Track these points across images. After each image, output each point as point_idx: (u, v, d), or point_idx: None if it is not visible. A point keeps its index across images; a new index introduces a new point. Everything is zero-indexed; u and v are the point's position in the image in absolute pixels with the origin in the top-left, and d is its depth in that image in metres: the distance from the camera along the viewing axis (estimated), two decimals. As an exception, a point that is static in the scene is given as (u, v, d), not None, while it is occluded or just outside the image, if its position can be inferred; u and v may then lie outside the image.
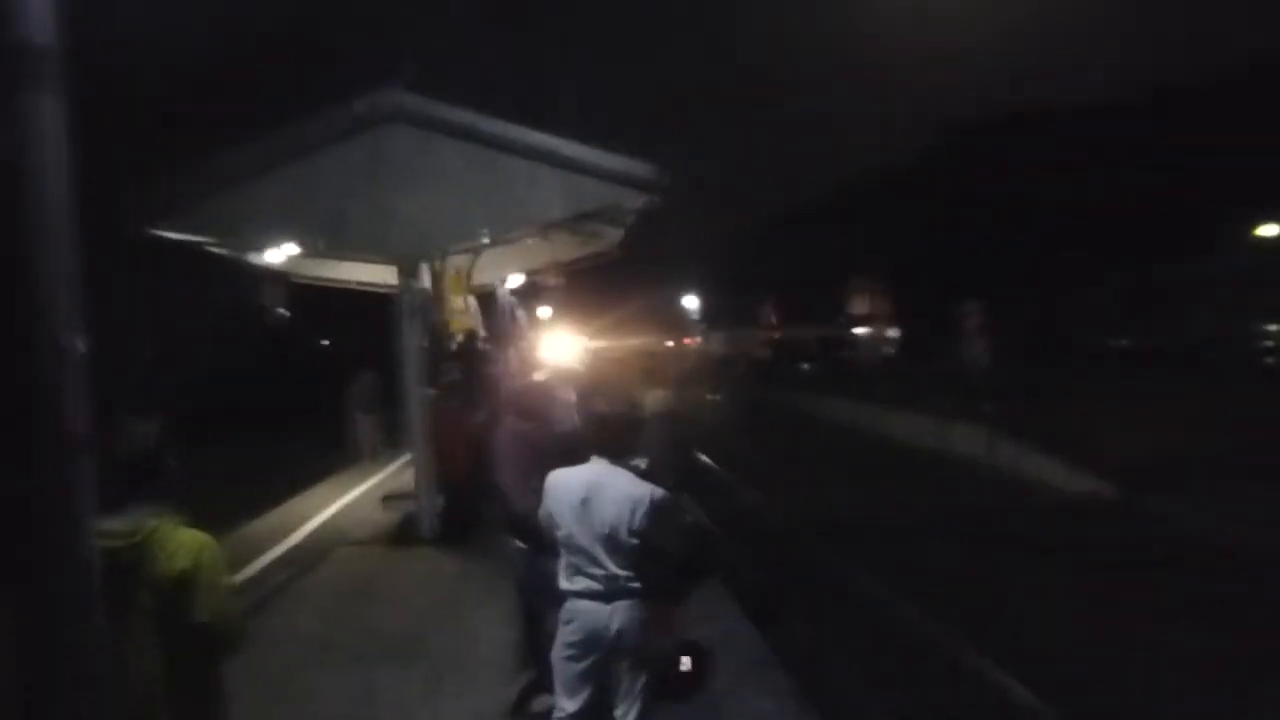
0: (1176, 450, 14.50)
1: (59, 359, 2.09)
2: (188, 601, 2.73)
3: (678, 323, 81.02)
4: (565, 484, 3.70)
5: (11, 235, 2.04)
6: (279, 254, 10.20)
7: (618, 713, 3.77)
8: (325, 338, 31.96)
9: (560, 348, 16.78)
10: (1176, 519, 11.75)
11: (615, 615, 3.61)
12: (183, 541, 2.77)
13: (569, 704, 3.76)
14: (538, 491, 4.04)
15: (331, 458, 16.42)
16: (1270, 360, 27.46)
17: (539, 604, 4.88)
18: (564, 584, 3.75)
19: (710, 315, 76.99)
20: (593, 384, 4.22)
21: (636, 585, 3.63)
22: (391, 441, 16.66)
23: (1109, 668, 7.42)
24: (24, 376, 2.06)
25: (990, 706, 6.82)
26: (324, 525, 11.13)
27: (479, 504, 9.25)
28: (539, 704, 4.91)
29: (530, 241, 11.70)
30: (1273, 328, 33.56)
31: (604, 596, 3.62)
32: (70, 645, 2.15)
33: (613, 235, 13.03)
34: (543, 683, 4.84)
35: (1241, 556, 10.24)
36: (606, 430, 3.69)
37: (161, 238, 9.45)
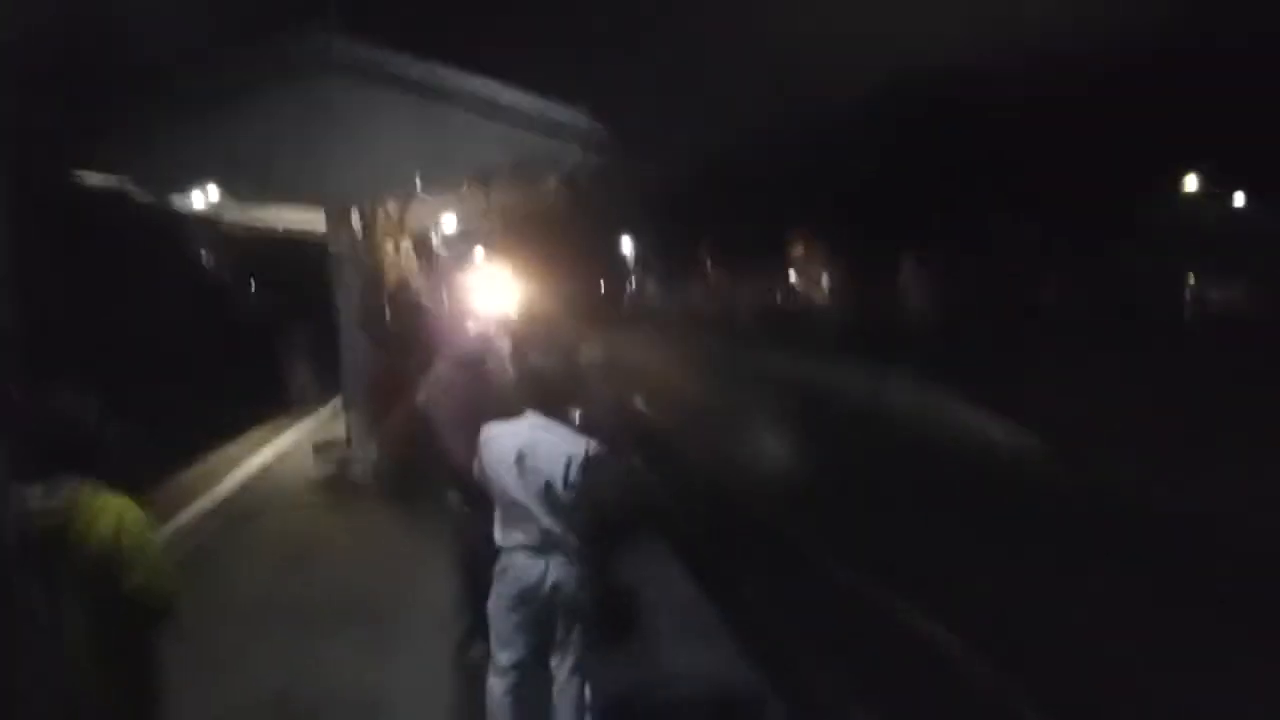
0: (1107, 408, 14.86)
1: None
2: (114, 569, 2.67)
3: (617, 269, 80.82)
4: (500, 439, 3.70)
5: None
6: (203, 199, 9.95)
7: (554, 662, 3.82)
8: (256, 283, 31.28)
9: (494, 295, 16.67)
10: (1125, 484, 12.00)
11: (551, 569, 3.64)
12: (103, 507, 2.71)
13: (505, 656, 3.79)
14: (473, 443, 4.03)
15: (262, 404, 16.15)
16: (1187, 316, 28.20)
17: (473, 555, 4.89)
18: (500, 538, 3.76)
19: (650, 262, 76.81)
20: (528, 334, 4.19)
21: (571, 539, 3.66)
22: (328, 387, 16.45)
23: (1027, 617, 7.65)
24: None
25: (929, 666, 6.98)
26: (256, 475, 10.99)
27: (413, 452, 9.20)
28: (477, 651, 4.94)
29: (466, 188, 11.54)
30: (1191, 283, 34.49)
31: (539, 550, 3.64)
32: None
33: (551, 184, 12.90)
34: (479, 626, 4.87)
35: (1194, 523, 10.49)
36: (542, 383, 3.69)
37: (77, 184, 9.13)
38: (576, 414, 4.15)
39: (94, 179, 9.26)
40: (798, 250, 55.06)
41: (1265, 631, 7.11)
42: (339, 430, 10.55)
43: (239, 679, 5.23)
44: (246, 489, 10.26)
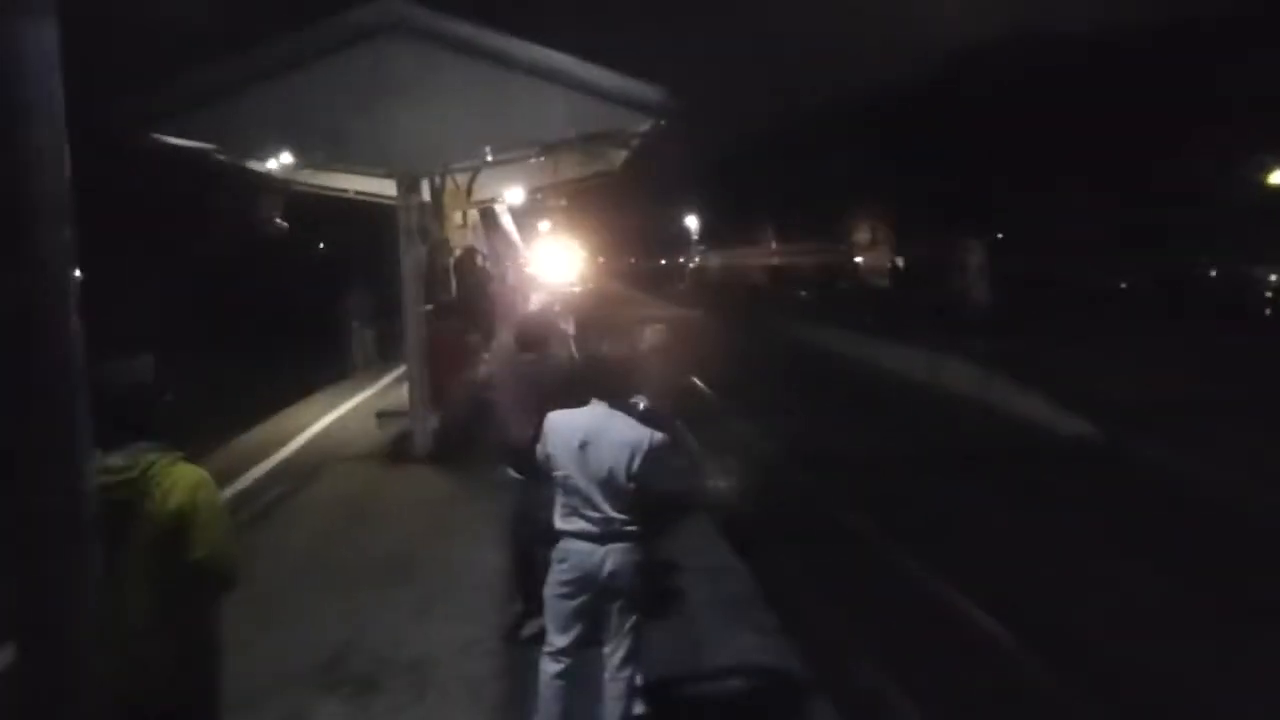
0: (1168, 394, 14.56)
1: (54, 292, 2.04)
2: (184, 539, 2.72)
3: (677, 243, 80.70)
4: (565, 426, 3.69)
5: (3, 168, 1.97)
6: (277, 163, 10.06)
7: (606, 650, 3.83)
8: (322, 244, 31.87)
9: (559, 266, 16.71)
10: (1161, 464, 11.81)
11: (609, 557, 3.64)
12: (179, 478, 2.75)
13: (560, 639, 3.81)
14: (535, 423, 4.03)
15: (327, 370, 16.42)
16: (1269, 311, 27.40)
17: (530, 534, 4.92)
18: (559, 523, 3.77)
19: (709, 236, 76.57)
20: (592, 321, 4.18)
21: (631, 528, 3.65)
22: (387, 354, 16.67)
23: (1081, 610, 7.53)
24: (18, 310, 2.01)
25: (966, 645, 6.93)
26: (317, 439, 11.17)
27: (473, 424, 9.28)
28: (530, 628, 4.98)
29: (532, 160, 11.53)
30: (1273, 277, 33.50)
31: (598, 538, 3.64)
32: (66, 582, 2.14)
33: (616, 156, 12.85)
34: (531, 609, 4.90)
35: (1223, 505, 10.32)
36: (606, 373, 3.68)
37: (157, 144, 9.29)
38: (640, 400, 4.13)
39: (174, 141, 9.41)
40: (862, 228, 54.36)
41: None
42: (402, 397, 10.66)
43: (296, 637, 5.34)
44: (309, 452, 10.43)
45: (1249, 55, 37.85)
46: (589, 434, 3.60)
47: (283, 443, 10.80)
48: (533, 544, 4.85)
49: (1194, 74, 40.05)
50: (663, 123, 9.76)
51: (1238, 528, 9.58)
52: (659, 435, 3.61)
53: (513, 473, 5.25)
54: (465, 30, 9.26)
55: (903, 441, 14.52)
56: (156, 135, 9.21)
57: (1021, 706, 5.87)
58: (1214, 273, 36.92)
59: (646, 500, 3.65)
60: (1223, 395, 14.09)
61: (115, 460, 2.68)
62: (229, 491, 8.40)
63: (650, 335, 5.25)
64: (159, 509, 2.70)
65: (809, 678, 5.09)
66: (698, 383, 18.51)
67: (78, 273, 2.12)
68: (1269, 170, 38.25)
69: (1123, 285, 33.85)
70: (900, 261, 47.51)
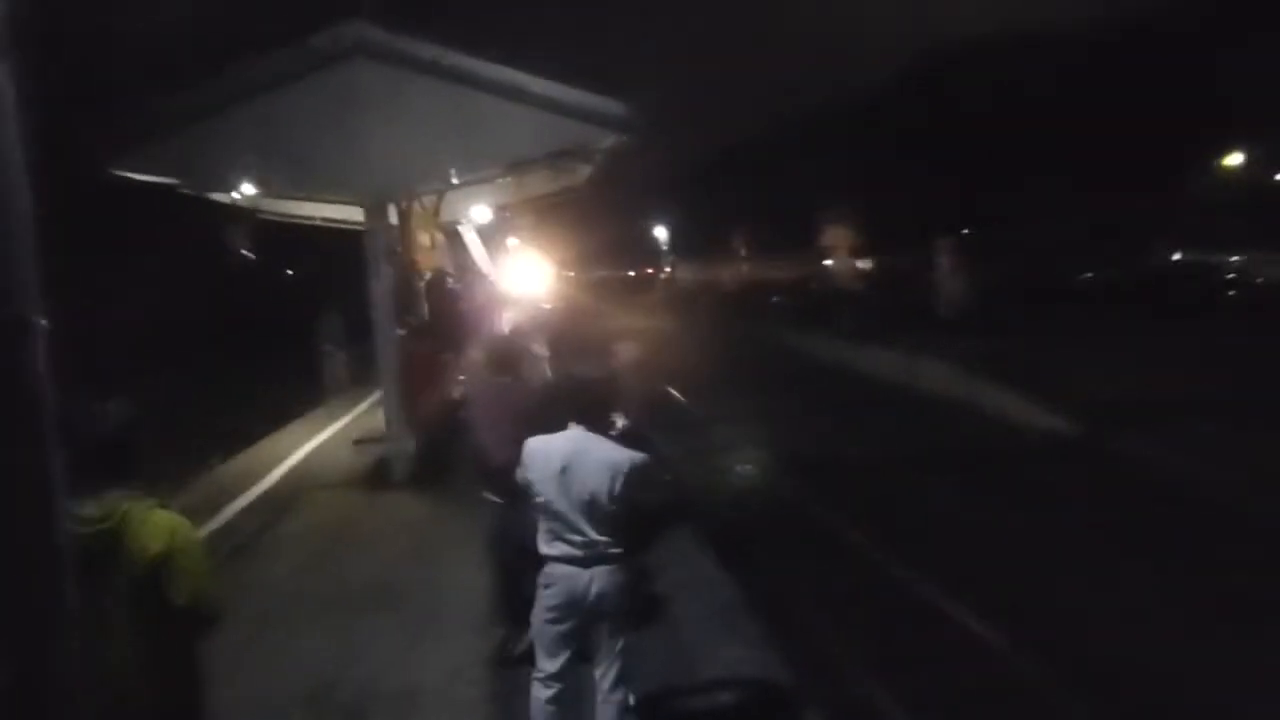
0: (1140, 388, 14.71)
1: (21, 336, 2.01)
2: (164, 585, 2.69)
3: (647, 254, 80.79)
4: (544, 452, 3.68)
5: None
6: (242, 193, 9.99)
7: (597, 672, 3.81)
8: (290, 270, 31.73)
9: (529, 281, 16.68)
10: (1138, 459, 11.91)
11: (595, 580, 3.63)
12: (157, 524, 2.72)
13: (549, 665, 3.79)
14: (512, 446, 4.01)
15: (301, 398, 16.30)
16: (1232, 293, 27.75)
17: (512, 558, 4.90)
18: (543, 548, 3.75)
19: (680, 246, 76.68)
20: (567, 343, 4.17)
21: (616, 550, 3.64)
22: (361, 379, 16.56)
23: (1070, 612, 7.58)
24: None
25: (956, 649, 6.95)
26: (295, 468, 11.07)
27: (451, 447, 9.24)
28: (520, 646, 4.93)
29: (501, 179, 11.53)
30: (1234, 259, 33.96)
31: (583, 562, 3.63)
32: (46, 636, 2.11)
33: (582, 170, 12.85)
34: (518, 630, 4.87)
35: (1200, 498, 10.42)
36: (585, 397, 3.66)
37: (119, 178, 9.20)
38: (619, 418, 4.13)
39: (134, 172, 9.32)
40: (831, 233, 54.67)
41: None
42: (378, 422, 10.60)
43: (281, 669, 5.28)
44: (288, 482, 10.34)
45: (1216, 55, 38.59)
46: (569, 459, 3.59)
47: (261, 473, 10.69)
48: (515, 565, 4.83)
49: (1164, 73, 40.73)
50: (628, 137, 9.78)
51: (1227, 524, 9.68)
52: (640, 456, 3.61)
53: (491, 496, 5.23)
54: (429, 51, 9.24)
55: (880, 443, 14.58)
56: (116, 171, 9.11)
57: (1013, 709, 5.89)
58: (1177, 256, 37.31)
59: (631, 519, 3.64)
60: (1196, 389, 14.24)
61: (89, 510, 2.65)
62: (210, 526, 8.31)
63: (624, 351, 5.25)
64: (137, 557, 2.67)
65: (799, 688, 5.09)
66: (673, 393, 18.53)
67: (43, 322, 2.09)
68: (1224, 152, 38.80)
69: (1092, 278, 34.13)
70: (873, 264, 47.76)
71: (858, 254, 49.57)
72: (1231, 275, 30.21)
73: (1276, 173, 38.86)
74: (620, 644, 3.76)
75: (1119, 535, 9.32)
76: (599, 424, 3.64)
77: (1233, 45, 37.52)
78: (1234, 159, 41.07)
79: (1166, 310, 25.28)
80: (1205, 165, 39.75)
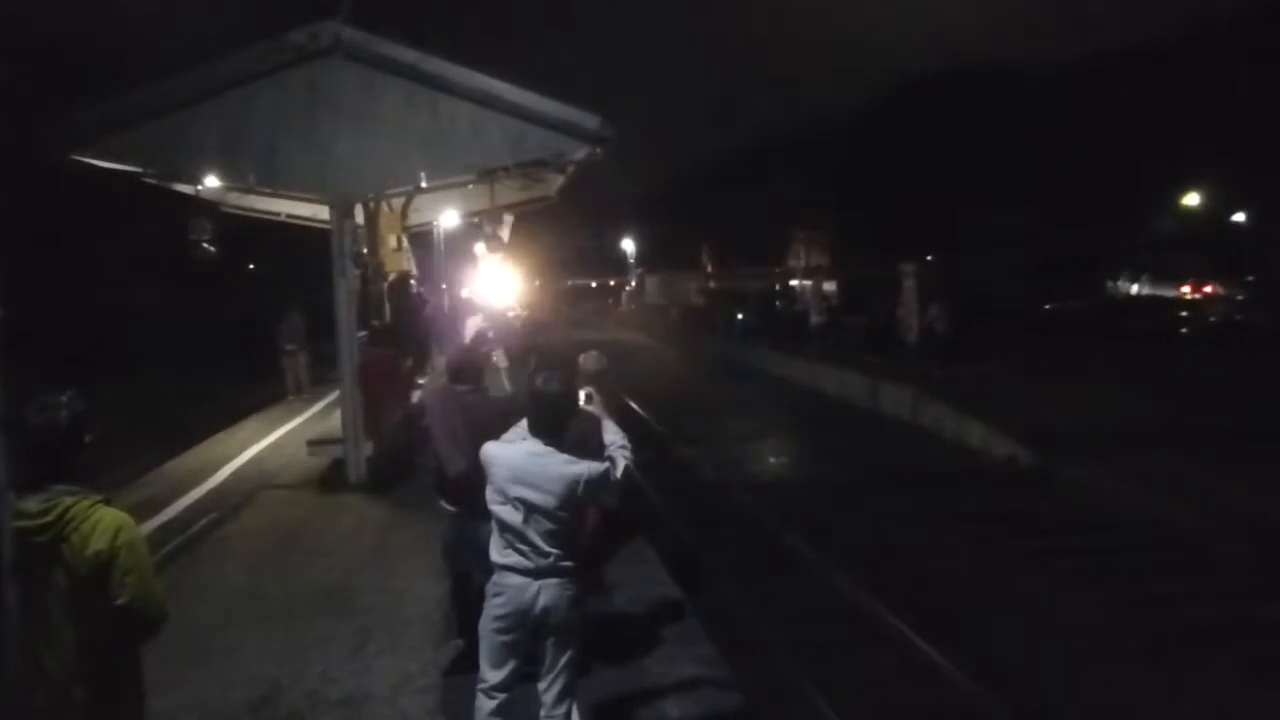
0: (1093, 416, 14.96)
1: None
2: (105, 584, 2.65)
3: (614, 265, 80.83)
4: (500, 460, 3.66)
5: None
6: (208, 186, 9.89)
7: (541, 686, 3.79)
8: (253, 265, 31.38)
9: (495, 291, 16.65)
10: (1089, 487, 12.10)
11: (543, 592, 3.61)
12: (100, 521, 2.68)
13: (493, 675, 3.75)
14: (469, 455, 3.97)
15: (258, 394, 16.11)
16: (1184, 330, 28.29)
17: (468, 567, 4.86)
18: (495, 557, 3.73)
19: (646, 259, 76.79)
20: (528, 347, 4.15)
21: (566, 563, 3.63)
22: (320, 379, 16.40)
23: (1017, 634, 7.69)
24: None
25: (908, 671, 7.02)
26: (247, 466, 10.92)
27: (408, 452, 9.16)
28: (466, 660, 4.89)
29: (471, 185, 11.49)
30: (1186, 292, 34.60)
31: (533, 573, 3.61)
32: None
33: (553, 181, 12.85)
34: (468, 640, 4.83)
35: (1145, 526, 10.60)
36: (544, 409, 3.65)
37: (80, 166, 9.07)
38: (583, 394, 4.14)
39: (96, 163, 9.18)
40: (797, 252, 54.99)
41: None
42: (335, 424, 10.49)
43: (225, 674, 5.19)
44: (239, 480, 10.20)
45: (1181, 88, 39.39)
46: (524, 469, 3.57)
47: (212, 470, 10.54)
48: (471, 575, 4.79)
49: (1128, 105, 41.47)
50: (599, 149, 9.78)
51: (1173, 548, 9.84)
52: (596, 467, 3.61)
53: (446, 504, 5.20)
54: (408, 55, 9.19)
55: (838, 465, 14.69)
56: (78, 157, 8.98)
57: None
58: (1135, 290, 38.05)
59: (581, 529, 3.65)
60: (1141, 416, 14.50)
61: (30, 504, 2.60)
62: (155, 522, 8.17)
63: (586, 360, 5.24)
64: (79, 554, 2.63)
65: (751, 708, 5.10)
66: (634, 406, 18.54)
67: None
68: (1185, 193, 39.75)
69: (1052, 309, 34.69)
70: (838, 285, 48.11)
71: (823, 275, 49.94)
72: (1184, 312, 30.84)
73: (1232, 212, 39.72)
74: (566, 658, 3.73)
75: (1064, 561, 9.47)
76: (556, 434, 3.63)
77: (1197, 86, 38.32)
78: (1192, 198, 41.96)
79: (1123, 341, 25.75)
80: (1165, 202, 40.54)
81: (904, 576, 8.93)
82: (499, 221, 16.87)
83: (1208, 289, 35.58)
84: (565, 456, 3.59)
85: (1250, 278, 33.71)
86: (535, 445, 3.61)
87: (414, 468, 8.84)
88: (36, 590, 2.56)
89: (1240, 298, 31.33)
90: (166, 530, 7.99)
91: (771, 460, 15.83)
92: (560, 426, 3.66)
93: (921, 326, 20.51)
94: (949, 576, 9.18)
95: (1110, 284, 39.67)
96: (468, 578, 4.91)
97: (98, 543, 2.64)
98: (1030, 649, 7.45)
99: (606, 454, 3.83)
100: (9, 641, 2.14)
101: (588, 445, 3.94)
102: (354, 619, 5.98)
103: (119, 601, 2.66)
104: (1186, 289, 36.15)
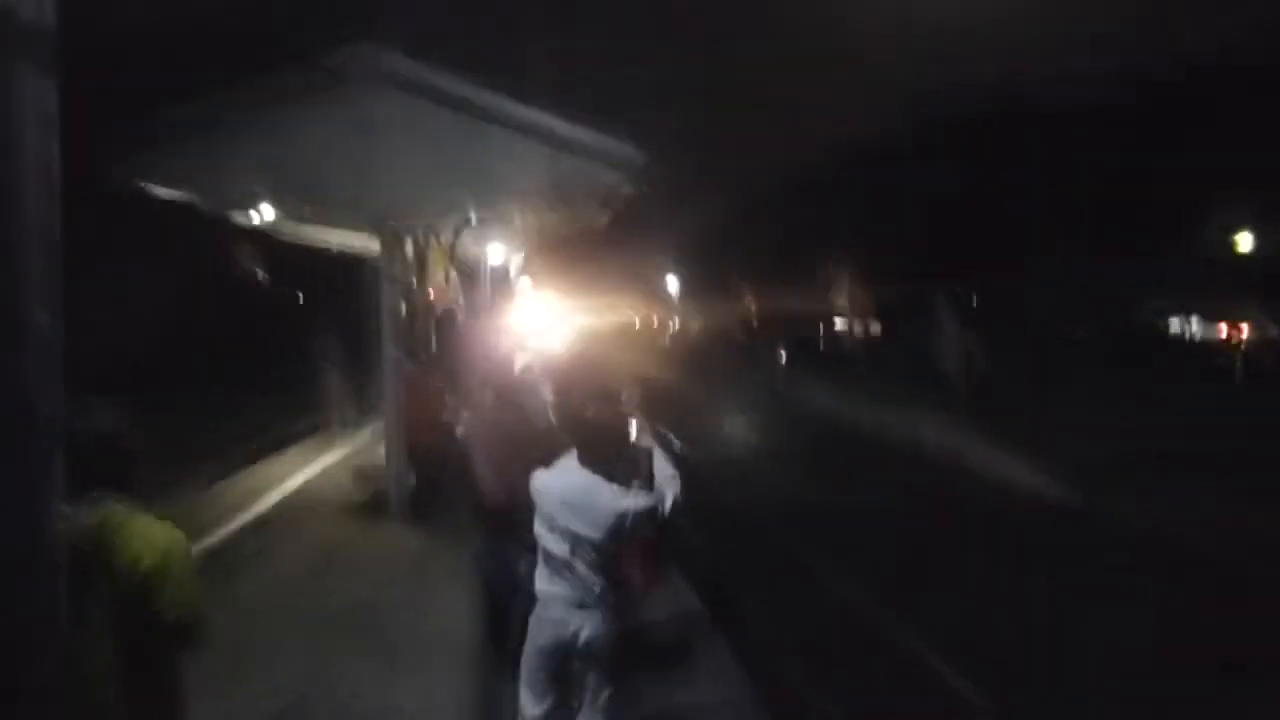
0: (1135, 447, 14.75)
1: (28, 334, 2.00)
2: (152, 598, 2.65)
3: (658, 298, 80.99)
4: (549, 490, 3.64)
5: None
6: (258, 216, 10.03)
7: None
8: (299, 293, 31.77)
9: (540, 325, 16.74)
10: (1132, 520, 11.89)
11: (586, 624, 3.57)
12: (150, 536, 2.68)
13: (534, 708, 3.72)
14: (511, 486, 3.96)
15: (303, 422, 16.25)
16: (1220, 361, 27.80)
17: (505, 599, 4.83)
18: (539, 585, 3.71)
19: (689, 293, 76.85)
20: (573, 383, 4.14)
21: (610, 595, 3.59)
22: (365, 409, 16.51)
23: (1052, 669, 7.50)
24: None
25: (940, 705, 6.87)
26: (293, 493, 11.02)
27: (449, 484, 9.17)
28: (501, 688, 4.86)
29: (516, 219, 11.59)
30: (1224, 327, 33.89)
31: (578, 604, 3.58)
32: (32, 640, 2.08)
33: (597, 213, 12.91)
34: (504, 669, 4.79)
35: (1191, 561, 10.36)
36: (588, 437, 3.63)
37: (139, 191, 9.23)
38: (618, 460, 4.11)
39: (159, 191, 9.33)
40: (838, 289, 54.79)
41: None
42: (379, 453, 10.56)
43: (255, 689, 5.21)
44: (285, 507, 10.29)
45: (1215, 115, 38.94)
46: (571, 499, 3.55)
47: (258, 496, 10.64)
48: (508, 605, 4.76)
49: (1159, 131, 41.02)
50: (644, 181, 9.82)
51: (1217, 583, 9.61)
52: (645, 500, 3.58)
53: (484, 531, 5.19)
54: (449, 82, 9.22)
55: (874, 499, 14.50)
56: (142, 183, 9.12)
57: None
58: (1177, 327, 37.48)
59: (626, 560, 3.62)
60: (1183, 446, 14.28)
61: (80, 513, 2.61)
62: (202, 544, 8.25)
63: (630, 392, 5.22)
64: (129, 567, 2.63)
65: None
66: (675, 439, 18.46)
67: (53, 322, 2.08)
68: (1234, 229, 39.16)
69: (1086, 338, 34.29)
70: (877, 317, 47.88)
71: (863, 308, 49.71)
72: (1220, 339, 30.38)
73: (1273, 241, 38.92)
74: (608, 693, 3.68)
75: (1104, 595, 9.25)
76: (601, 464, 3.61)
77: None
78: (1233, 227, 41.21)
79: (1158, 371, 25.37)
80: (1202, 232, 39.84)
81: (941, 611, 8.77)
82: (546, 255, 17.00)
83: (1244, 327, 35.38)
84: (615, 488, 3.56)
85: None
86: (584, 476, 3.59)
87: (455, 498, 8.86)
88: (80, 600, 2.56)
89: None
90: (211, 552, 8.07)
91: (808, 491, 15.63)
92: (604, 453, 3.64)
93: (956, 356, 20.32)
94: (988, 612, 9.00)
95: (1157, 319, 39.08)
96: (505, 609, 4.88)
97: (143, 553, 2.65)
98: (1083, 686, 7.26)
99: (656, 485, 3.79)
100: (54, 651, 2.15)
101: (639, 477, 3.91)
102: (388, 643, 5.98)
103: (161, 613, 2.66)
104: (1224, 327, 35.88)
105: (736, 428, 23.96)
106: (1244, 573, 9.63)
